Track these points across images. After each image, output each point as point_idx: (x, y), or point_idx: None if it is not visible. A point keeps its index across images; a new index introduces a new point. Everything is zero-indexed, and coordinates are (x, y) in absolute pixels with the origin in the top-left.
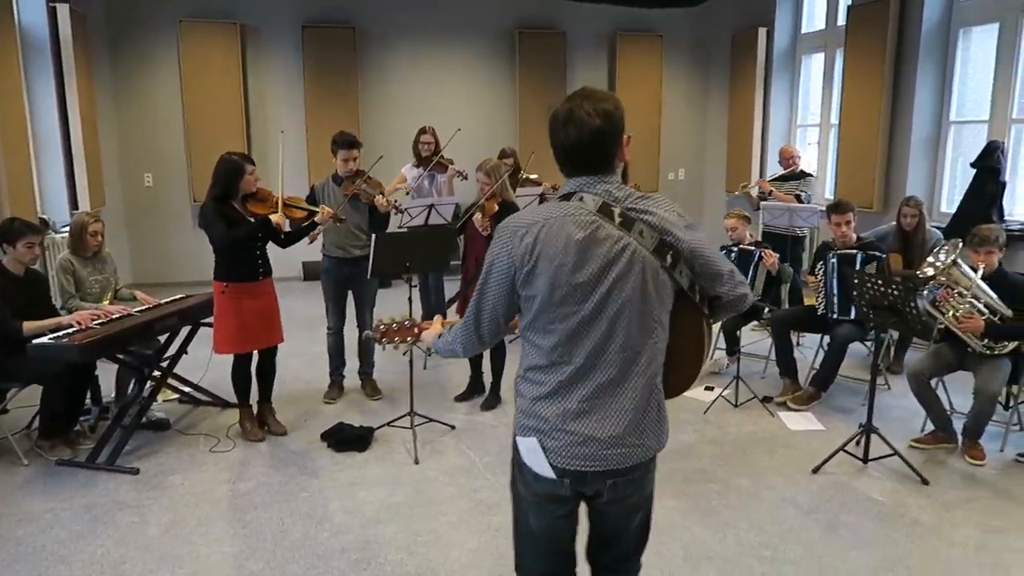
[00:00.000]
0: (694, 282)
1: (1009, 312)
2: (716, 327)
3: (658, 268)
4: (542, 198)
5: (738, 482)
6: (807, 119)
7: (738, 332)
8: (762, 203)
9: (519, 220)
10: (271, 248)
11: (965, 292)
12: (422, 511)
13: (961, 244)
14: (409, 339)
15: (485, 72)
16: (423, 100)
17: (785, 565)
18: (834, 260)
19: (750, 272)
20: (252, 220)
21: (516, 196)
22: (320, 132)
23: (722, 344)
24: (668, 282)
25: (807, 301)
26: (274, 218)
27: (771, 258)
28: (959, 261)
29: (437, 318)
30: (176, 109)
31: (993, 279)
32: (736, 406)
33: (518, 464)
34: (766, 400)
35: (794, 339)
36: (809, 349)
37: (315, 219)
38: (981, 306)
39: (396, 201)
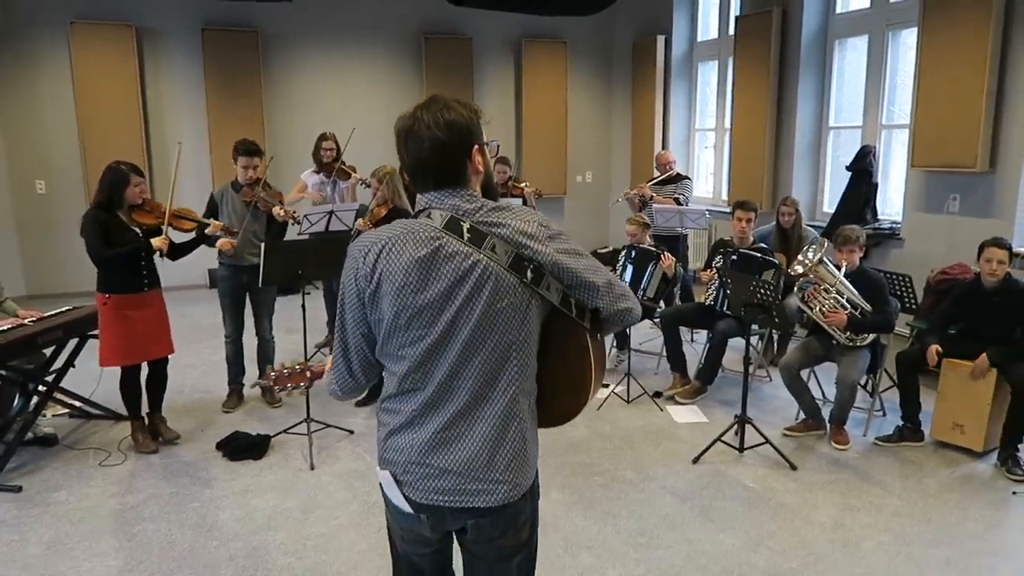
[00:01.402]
0: (567, 296)
1: (868, 307)
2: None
3: (515, 285)
4: None
5: (623, 474)
6: (704, 123)
7: (628, 330)
8: (655, 207)
9: (363, 241)
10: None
11: (830, 288)
12: (314, 515)
13: (827, 243)
14: (303, 384)
15: (392, 76)
16: (329, 105)
17: (658, 550)
18: (734, 257)
19: (647, 273)
20: (137, 231)
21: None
22: (223, 137)
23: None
24: (530, 300)
25: (698, 298)
26: (155, 242)
27: (668, 260)
28: (825, 259)
29: (330, 357)
30: (69, 114)
31: (855, 276)
32: (628, 402)
33: (384, 495)
34: (656, 395)
35: (688, 335)
36: (701, 344)
37: (206, 231)
38: (844, 301)
39: (294, 212)
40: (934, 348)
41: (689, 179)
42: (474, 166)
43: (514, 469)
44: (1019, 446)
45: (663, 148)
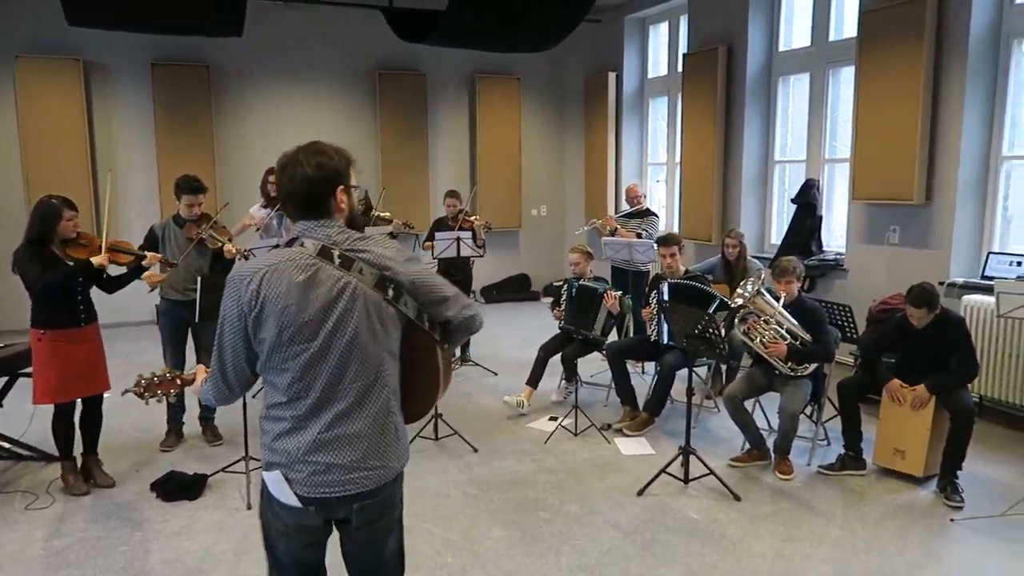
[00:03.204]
0: (421, 311)
1: (808, 336)
2: (556, 358)
3: (380, 301)
4: (392, 237)
5: (568, 508)
6: (656, 158)
7: (575, 362)
8: (603, 239)
9: (244, 269)
10: (128, 290)
11: (770, 319)
12: (248, 556)
13: (764, 275)
14: (172, 391)
15: (346, 112)
16: (282, 140)
17: None
18: (666, 287)
19: (597, 310)
20: (70, 265)
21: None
22: (172, 173)
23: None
24: (394, 313)
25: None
26: (96, 259)
27: (611, 299)
28: (763, 291)
29: (200, 367)
30: (13, 150)
31: (794, 307)
32: (576, 434)
33: (267, 496)
34: (604, 427)
35: (639, 367)
36: (650, 376)
37: (143, 263)
38: (784, 332)
39: (245, 251)
40: (896, 381)
41: (656, 216)
42: (337, 203)
43: (390, 456)
44: (958, 473)
45: (625, 182)
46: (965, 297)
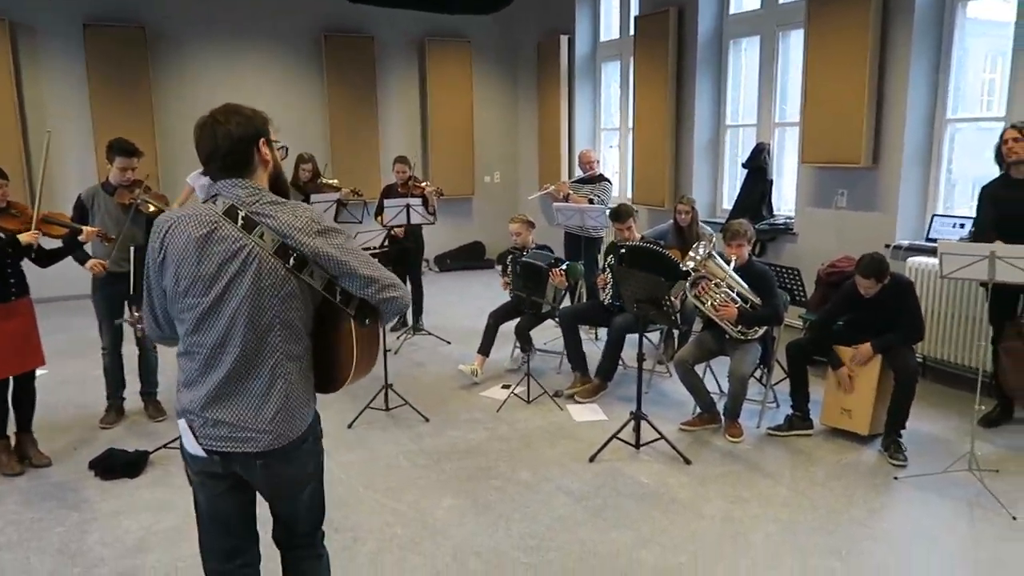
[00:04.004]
0: (333, 284)
1: (758, 300)
2: (508, 326)
3: (278, 269)
4: (339, 204)
5: (519, 476)
6: (609, 123)
7: (529, 333)
8: (555, 205)
9: (161, 218)
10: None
11: (721, 283)
12: (192, 534)
13: (714, 239)
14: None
15: (292, 76)
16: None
17: (550, 552)
18: (623, 251)
19: (545, 283)
20: (0, 236)
21: (313, 201)
22: (109, 139)
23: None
24: (293, 282)
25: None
26: (24, 236)
27: (558, 277)
28: (714, 254)
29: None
30: None
31: (744, 270)
32: (528, 402)
33: (182, 445)
34: (556, 394)
35: (592, 333)
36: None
37: (79, 238)
38: (735, 295)
39: None
40: (845, 369)
41: (609, 182)
42: (261, 157)
43: (279, 422)
44: (902, 432)
45: (578, 147)
46: (910, 259)
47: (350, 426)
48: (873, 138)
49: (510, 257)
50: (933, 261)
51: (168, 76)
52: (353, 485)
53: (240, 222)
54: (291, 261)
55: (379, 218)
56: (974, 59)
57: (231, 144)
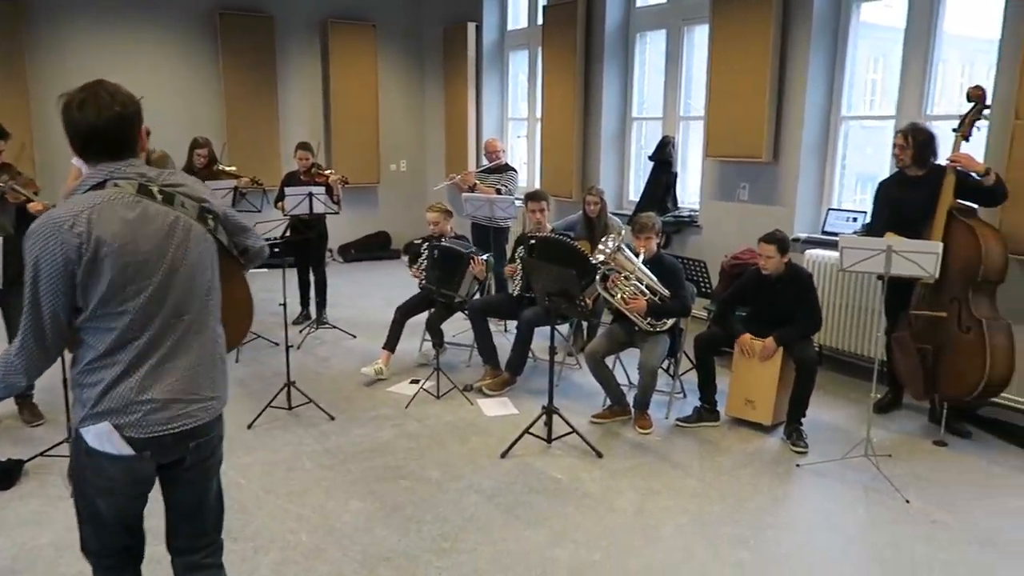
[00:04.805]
0: (231, 239)
1: (667, 292)
2: (416, 319)
3: (204, 232)
4: (237, 192)
5: (429, 474)
6: (517, 113)
7: (440, 327)
8: (464, 196)
9: (58, 214)
10: None
11: (630, 275)
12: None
13: (623, 232)
14: None
15: (184, 56)
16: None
17: (462, 555)
18: (532, 242)
19: (462, 273)
20: None
21: (210, 189)
22: None
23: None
24: (213, 244)
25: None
26: None
27: (479, 266)
28: (623, 247)
29: None
30: None
31: (653, 262)
32: (438, 397)
33: (86, 454)
34: (466, 389)
35: (502, 325)
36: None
37: None
38: (644, 288)
39: (53, 206)
40: (747, 336)
41: (515, 171)
42: (142, 141)
43: (219, 386)
44: (803, 420)
45: (485, 137)
46: (808, 251)
47: (250, 426)
48: (774, 133)
49: (427, 244)
50: (829, 253)
51: (46, 51)
52: (253, 489)
53: (159, 197)
54: (210, 222)
55: (280, 204)
56: (860, 60)
57: (119, 125)
